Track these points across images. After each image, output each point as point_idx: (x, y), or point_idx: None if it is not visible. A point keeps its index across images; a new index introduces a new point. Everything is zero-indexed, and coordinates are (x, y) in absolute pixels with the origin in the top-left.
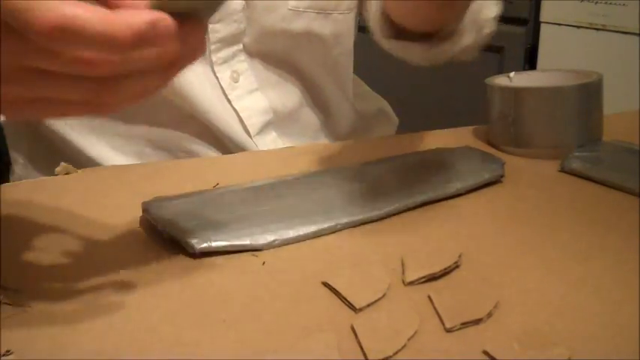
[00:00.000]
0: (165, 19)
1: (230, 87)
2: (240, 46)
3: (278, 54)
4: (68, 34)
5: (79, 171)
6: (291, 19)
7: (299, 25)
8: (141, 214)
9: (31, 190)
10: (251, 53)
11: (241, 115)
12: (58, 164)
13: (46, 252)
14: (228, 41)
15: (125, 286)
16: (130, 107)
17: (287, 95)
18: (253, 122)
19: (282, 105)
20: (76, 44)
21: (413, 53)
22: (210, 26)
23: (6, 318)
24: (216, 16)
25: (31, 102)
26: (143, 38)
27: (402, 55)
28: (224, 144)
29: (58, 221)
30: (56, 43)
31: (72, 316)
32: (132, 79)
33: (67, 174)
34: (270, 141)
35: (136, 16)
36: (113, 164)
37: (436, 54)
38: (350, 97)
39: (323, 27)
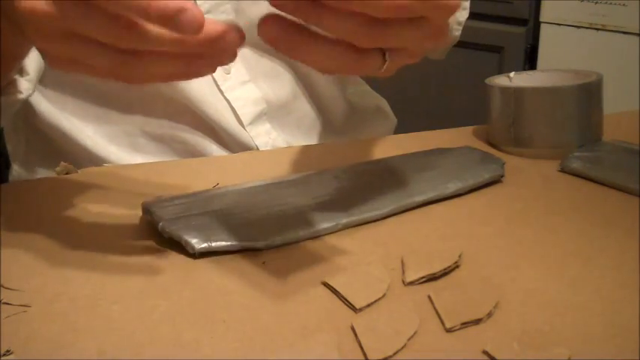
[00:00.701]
0: (193, 9)
1: (222, 78)
2: None
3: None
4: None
5: (79, 171)
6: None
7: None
8: (141, 214)
9: (31, 190)
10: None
11: (234, 105)
12: (55, 157)
13: (46, 252)
14: None
15: (125, 286)
16: (129, 95)
17: (280, 87)
18: (246, 112)
19: (275, 96)
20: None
21: None
22: None
23: (6, 318)
24: (206, 6)
25: (68, 59)
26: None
27: None
28: (218, 134)
29: (58, 221)
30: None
31: (72, 316)
32: (155, 61)
33: (67, 174)
34: (264, 132)
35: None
36: (108, 155)
37: None
38: (345, 90)
39: None
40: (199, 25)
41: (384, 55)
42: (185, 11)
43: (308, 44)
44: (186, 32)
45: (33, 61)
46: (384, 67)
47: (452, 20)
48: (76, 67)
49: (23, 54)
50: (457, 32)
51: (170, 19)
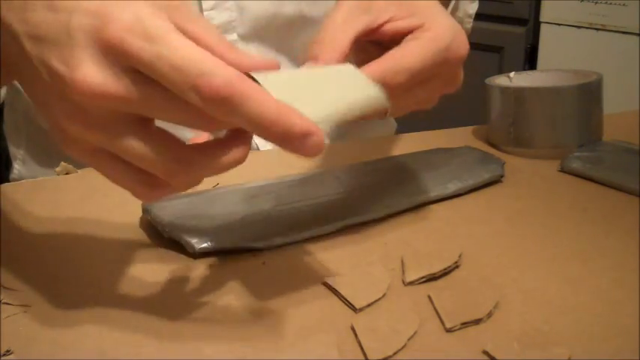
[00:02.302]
0: (318, 134)
1: None
2: (235, 36)
3: (272, 40)
4: (236, 105)
5: (79, 171)
6: (281, 2)
7: (289, 8)
8: (141, 214)
9: (31, 190)
10: (246, 41)
11: None
12: (56, 154)
13: (46, 252)
14: (223, 29)
15: (125, 286)
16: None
17: None
18: None
19: None
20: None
21: None
22: (205, 13)
23: (6, 318)
24: (210, 3)
25: (98, 152)
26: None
27: None
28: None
29: (58, 221)
30: (218, 110)
31: (72, 316)
32: (199, 167)
33: (67, 174)
34: None
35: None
36: None
37: None
38: None
39: (313, 9)
40: (320, 151)
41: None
42: (311, 136)
43: None
44: (303, 155)
45: None
46: (387, 115)
47: (462, 14)
48: (102, 164)
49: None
50: (468, 25)
51: (293, 140)
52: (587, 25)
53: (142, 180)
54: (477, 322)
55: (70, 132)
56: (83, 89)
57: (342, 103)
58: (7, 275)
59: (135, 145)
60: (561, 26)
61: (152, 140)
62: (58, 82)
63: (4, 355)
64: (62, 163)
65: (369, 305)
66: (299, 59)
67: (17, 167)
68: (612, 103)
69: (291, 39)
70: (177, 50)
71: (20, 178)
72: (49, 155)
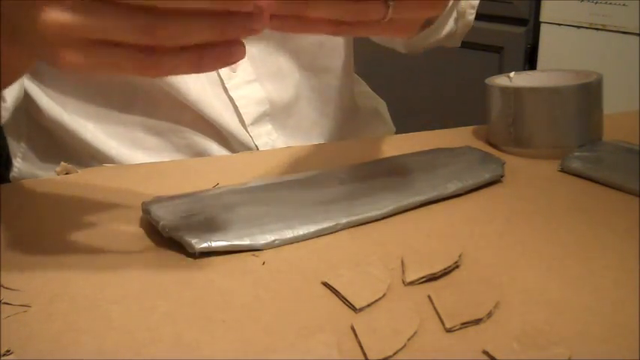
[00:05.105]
0: None
1: (227, 76)
2: None
3: (273, 40)
4: None
5: (79, 171)
6: None
7: None
8: (141, 214)
9: (31, 190)
10: (247, 40)
11: (237, 103)
12: (55, 152)
13: (46, 252)
14: None
15: (125, 286)
16: (131, 92)
17: (284, 88)
18: (248, 111)
19: (279, 97)
20: None
21: (394, 41)
22: None
23: (6, 318)
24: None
25: (92, 64)
26: None
27: (383, 42)
28: (218, 133)
29: (58, 221)
30: None
31: (72, 316)
32: (172, 57)
33: (67, 174)
34: (265, 133)
35: None
36: (108, 149)
37: (416, 42)
38: (350, 86)
39: None
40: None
41: (386, 3)
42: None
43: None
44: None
45: (12, 89)
46: (388, 15)
47: (465, 4)
48: (100, 70)
49: (24, 72)
50: (471, 16)
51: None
52: (587, 25)
53: (137, 54)
54: (477, 322)
55: (51, 19)
56: (49, 27)
57: None
58: (7, 275)
59: (107, 15)
60: (561, 26)
61: (119, 7)
62: None
63: (4, 355)
64: (62, 163)
65: (369, 305)
66: (303, 63)
67: (17, 165)
68: (612, 103)
69: (292, 39)
70: None
71: (20, 177)
72: (49, 151)
